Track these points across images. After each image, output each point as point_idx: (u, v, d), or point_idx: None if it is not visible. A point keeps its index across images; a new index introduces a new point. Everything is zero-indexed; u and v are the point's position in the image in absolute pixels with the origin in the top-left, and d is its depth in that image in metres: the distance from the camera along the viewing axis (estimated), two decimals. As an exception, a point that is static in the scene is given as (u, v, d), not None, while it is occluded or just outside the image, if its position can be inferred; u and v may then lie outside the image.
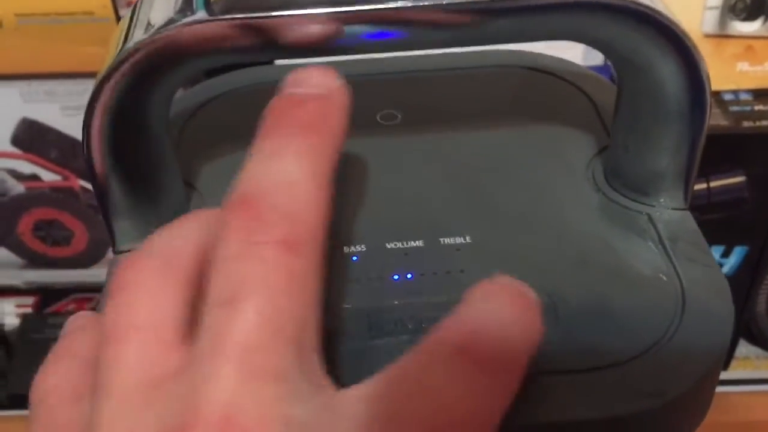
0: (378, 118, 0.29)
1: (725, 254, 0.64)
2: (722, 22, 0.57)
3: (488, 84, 0.30)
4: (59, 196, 0.67)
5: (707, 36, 0.57)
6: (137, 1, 0.23)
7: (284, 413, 0.16)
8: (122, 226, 0.23)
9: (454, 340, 0.18)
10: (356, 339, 0.21)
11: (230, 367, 0.16)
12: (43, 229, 0.68)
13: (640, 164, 0.24)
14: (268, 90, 0.30)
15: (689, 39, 0.21)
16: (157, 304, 0.18)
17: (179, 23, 0.21)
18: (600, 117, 0.28)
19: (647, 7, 0.21)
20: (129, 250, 0.24)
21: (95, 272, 0.67)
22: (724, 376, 0.73)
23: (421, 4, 0.21)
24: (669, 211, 0.24)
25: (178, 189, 0.25)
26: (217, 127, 0.29)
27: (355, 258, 0.23)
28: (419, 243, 0.24)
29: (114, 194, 0.23)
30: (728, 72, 0.59)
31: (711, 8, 0.56)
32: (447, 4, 0.21)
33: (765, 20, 0.57)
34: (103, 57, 0.22)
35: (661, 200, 0.25)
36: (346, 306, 0.22)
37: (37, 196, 0.67)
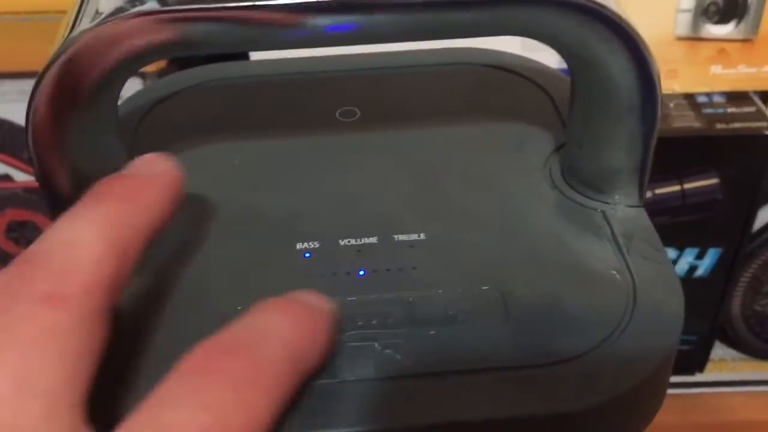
0: (337, 114, 0.28)
1: (700, 256, 0.64)
2: (695, 25, 0.57)
3: (448, 81, 0.30)
4: (32, 197, 0.66)
5: (680, 39, 0.57)
6: None
7: None
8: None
9: (195, 362, 0.18)
10: None
11: None
12: (16, 230, 0.68)
13: (594, 161, 0.24)
14: (225, 86, 0.30)
15: (639, 36, 0.21)
16: None
17: (126, 13, 0.20)
18: (559, 114, 0.28)
19: (596, 3, 0.21)
20: None
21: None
22: (699, 378, 0.73)
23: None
24: (623, 208, 0.24)
25: None
26: (174, 125, 0.29)
27: (308, 254, 0.23)
28: (373, 240, 0.24)
29: (60, 190, 0.22)
30: (702, 74, 0.59)
31: (684, 11, 0.56)
32: (396, -2, 0.21)
33: (738, 23, 0.57)
34: (50, 50, 0.21)
35: (616, 197, 0.24)
36: None
37: (10, 197, 0.66)
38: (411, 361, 0.20)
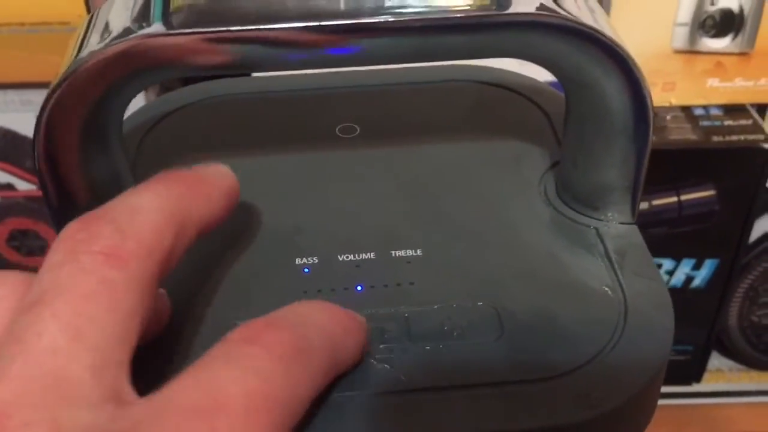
0: (337, 131, 0.29)
1: (696, 267, 0.64)
2: (692, 38, 0.57)
3: (446, 98, 0.31)
4: (34, 206, 0.67)
5: (677, 52, 0.58)
6: (98, 7, 0.23)
7: (54, 417, 0.16)
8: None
9: (244, 332, 0.18)
10: None
11: (13, 369, 0.16)
12: (18, 239, 0.68)
13: (588, 179, 0.25)
14: (229, 103, 0.31)
15: (631, 59, 0.22)
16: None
17: (134, 35, 0.21)
18: (554, 131, 0.29)
19: (592, 28, 0.21)
20: None
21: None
22: (697, 388, 0.74)
23: (372, 21, 0.21)
24: (616, 225, 0.25)
25: None
26: (176, 141, 0.29)
27: (306, 270, 0.24)
28: (371, 255, 0.24)
29: (64, 205, 0.23)
30: (698, 87, 0.60)
31: (681, 24, 0.57)
32: (395, 21, 0.21)
33: (734, 37, 0.58)
34: (60, 65, 0.22)
35: (609, 215, 0.25)
36: None
37: (12, 205, 0.67)
38: (407, 376, 0.21)
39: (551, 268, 0.24)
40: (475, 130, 0.29)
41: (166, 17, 0.21)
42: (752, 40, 0.57)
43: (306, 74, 0.31)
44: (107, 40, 0.21)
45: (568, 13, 0.21)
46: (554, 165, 0.27)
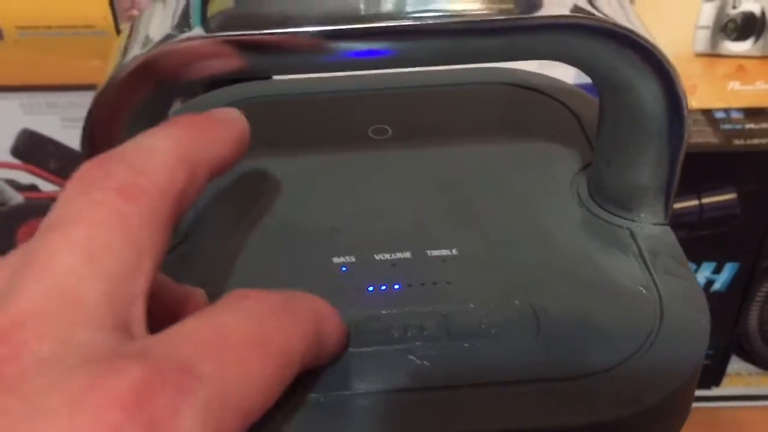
0: (369, 132, 0.29)
1: (717, 270, 0.64)
2: (714, 41, 0.57)
3: (476, 100, 0.31)
4: (58, 207, 0.67)
5: (699, 55, 0.58)
6: (138, 15, 0.24)
7: (66, 335, 0.16)
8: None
9: (238, 292, 0.19)
10: None
11: (26, 284, 0.16)
12: (41, 239, 0.69)
13: (621, 180, 0.25)
14: (262, 105, 0.31)
15: (667, 60, 0.22)
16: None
17: (176, 39, 0.21)
18: (585, 133, 0.29)
19: (628, 29, 0.22)
20: None
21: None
22: (716, 392, 0.73)
23: (408, 24, 0.22)
24: (650, 226, 0.25)
25: None
26: None
27: (344, 268, 0.24)
28: (407, 255, 0.24)
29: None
30: (720, 91, 0.60)
31: (702, 28, 0.57)
32: (432, 24, 0.21)
33: (756, 40, 0.58)
34: (103, 71, 0.22)
35: (642, 215, 0.25)
36: None
37: (36, 206, 0.68)
38: (446, 373, 0.21)
39: (586, 267, 0.24)
40: (505, 131, 0.30)
41: (204, 22, 0.22)
42: (774, 43, 0.58)
43: (337, 76, 0.32)
44: (150, 46, 0.21)
45: (603, 14, 0.22)
46: (586, 166, 0.28)
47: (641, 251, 0.24)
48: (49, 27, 0.60)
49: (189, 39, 0.21)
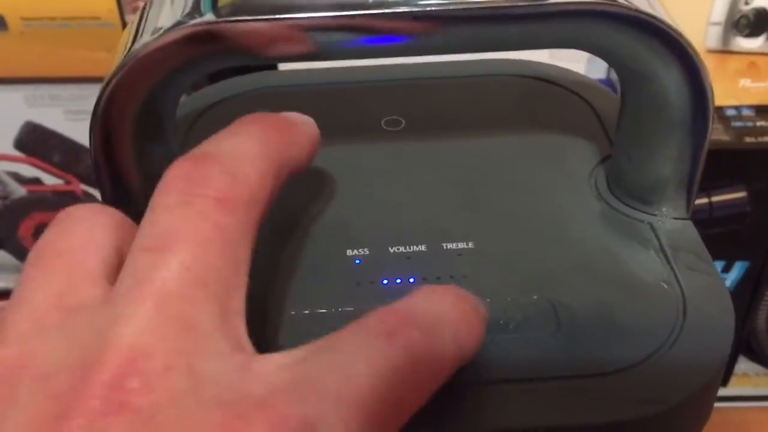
0: (383, 123, 0.29)
1: (726, 269, 0.64)
2: (725, 37, 0.57)
3: (491, 92, 0.30)
4: (61, 200, 0.67)
5: (710, 51, 0.57)
6: (145, 6, 0.23)
7: (190, 364, 0.16)
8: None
9: (383, 323, 0.18)
10: None
11: (145, 311, 0.16)
12: (44, 232, 0.68)
13: (642, 173, 0.24)
14: (273, 95, 0.31)
15: (693, 49, 0.21)
16: (89, 239, 0.18)
17: (187, 24, 0.21)
18: (603, 126, 0.28)
19: (651, 16, 0.21)
20: None
21: (95, 276, 0.67)
22: (723, 392, 0.73)
23: (427, 9, 0.21)
24: (671, 220, 0.25)
25: None
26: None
27: (358, 261, 0.24)
28: (422, 248, 0.24)
29: (117, 192, 0.23)
30: (731, 88, 0.59)
31: (714, 24, 0.57)
32: (457, 10, 0.21)
33: (767, 37, 0.57)
34: (111, 60, 0.22)
35: (663, 209, 0.25)
36: (349, 308, 0.22)
37: (39, 199, 0.67)
38: (463, 370, 0.20)
39: (606, 262, 0.23)
40: (521, 123, 0.29)
41: (216, 9, 0.21)
42: (787, 40, 0.57)
43: (350, 67, 0.31)
44: (160, 32, 0.21)
45: (626, 0, 0.21)
46: (604, 159, 0.27)
47: (662, 246, 0.24)
48: (54, 18, 0.60)
49: (201, 24, 0.21)
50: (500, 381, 0.20)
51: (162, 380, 0.15)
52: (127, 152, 0.22)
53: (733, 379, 0.72)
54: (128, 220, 0.19)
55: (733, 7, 0.56)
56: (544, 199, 0.26)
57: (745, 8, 0.56)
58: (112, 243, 0.18)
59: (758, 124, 0.59)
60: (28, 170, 0.66)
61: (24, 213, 0.68)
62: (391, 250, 0.24)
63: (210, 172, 0.18)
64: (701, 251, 0.24)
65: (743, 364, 0.72)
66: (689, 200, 0.25)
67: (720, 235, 0.60)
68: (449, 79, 0.31)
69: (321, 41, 0.21)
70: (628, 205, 0.25)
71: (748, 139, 0.57)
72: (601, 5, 0.21)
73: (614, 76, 0.54)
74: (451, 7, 0.21)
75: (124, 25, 0.59)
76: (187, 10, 0.21)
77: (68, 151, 0.65)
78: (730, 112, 0.59)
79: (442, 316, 0.18)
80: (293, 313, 0.22)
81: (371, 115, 0.29)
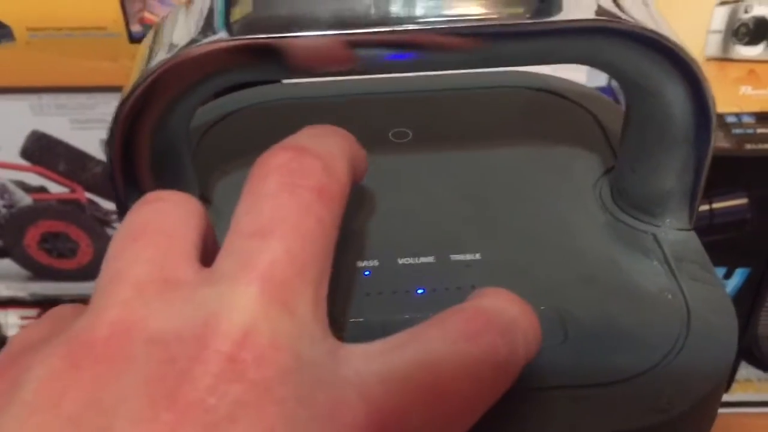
0: (390, 135, 0.29)
1: (727, 276, 0.64)
2: (725, 46, 0.57)
3: (497, 104, 0.31)
4: (66, 209, 0.67)
5: (710, 59, 0.58)
6: (159, 22, 0.24)
7: (294, 346, 0.16)
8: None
9: (468, 324, 0.18)
10: None
11: (254, 291, 0.16)
12: (49, 241, 0.69)
13: (646, 185, 0.25)
14: (279, 107, 0.31)
15: (696, 64, 0.22)
16: (185, 221, 0.19)
17: (201, 43, 0.21)
18: (607, 138, 0.29)
19: (656, 33, 0.21)
20: None
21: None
22: (725, 398, 0.73)
23: (435, 27, 0.21)
24: (674, 231, 0.25)
25: None
26: (231, 143, 0.29)
27: (367, 273, 0.24)
28: (430, 259, 0.24)
29: (133, 199, 0.23)
30: (731, 95, 0.60)
31: (714, 32, 0.57)
32: (462, 27, 0.21)
33: (767, 45, 0.58)
34: (113, 72, 0.22)
35: (667, 221, 0.25)
36: (359, 319, 0.22)
37: (44, 208, 0.68)
38: None
39: (611, 273, 0.24)
40: (526, 135, 0.29)
41: (228, 27, 0.22)
42: (786, 48, 0.57)
43: (357, 79, 0.31)
44: (175, 50, 0.21)
45: (630, 16, 0.22)
46: (608, 171, 0.27)
47: (666, 257, 0.24)
48: (60, 29, 0.60)
49: (214, 42, 0.21)
50: (510, 390, 0.21)
51: (271, 357, 0.16)
52: (143, 164, 0.22)
53: (735, 385, 0.72)
54: (207, 213, 0.20)
55: (732, 15, 0.56)
56: (550, 210, 0.26)
57: (744, 16, 0.57)
58: (201, 229, 0.19)
59: (759, 131, 0.59)
60: (33, 179, 0.67)
61: (30, 221, 0.68)
62: (400, 262, 0.24)
63: (312, 165, 0.19)
64: (704, 262, 0.24)
65: (745, 370, 0.72)
66: (692, 211, 0.25)
67: (721, 242, 0.61)
68: (456, 91, 0.31)
69: (335, 58, 0.22)
70: (632, 216, 0.25)
71: (748, 146, 0.58)
72: (607, 23, 0.22)
73: (615, 84, 0.55)
74: (462, 25, 0.21)
75: (130, 35, 0.59)
76: (201, 26, 0.22)
77: (74, 159, 0.65)
78: (731, 119, 0.60)
79: (515, 320, 0.19)
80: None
81: (379, 127, 0.30)
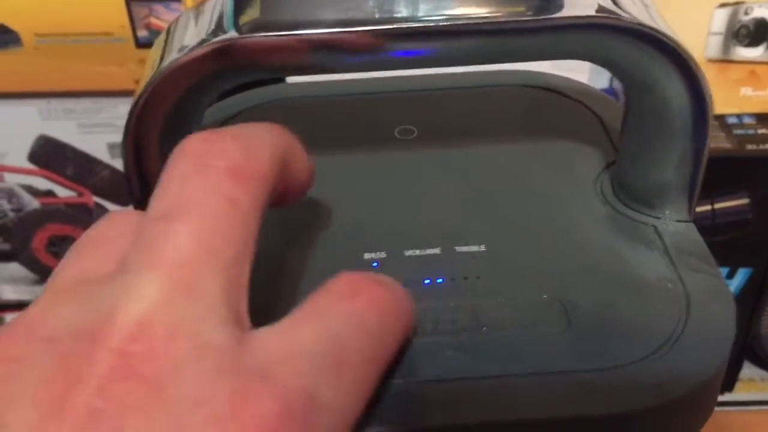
0: (395, 133, 0.30)
1: (729, 276, 0.64)
2: (726, 47, 0.58)
3: (499, 102, 0.32)
4: (74, 213, 0.68)
5: (711, 61, 0.58)
6: (170, 26, 0.24)
7: (196, 333, 0.16)
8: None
9: (350, 285, 0.19)
10: None
11: (153, 279, 0.16)
12: (57, 245, 0.69)
13: (646, 178, 0.25)
14: (287, 107, 0.32)
15: (692, 60, 0.23)
16: (128, 229, 0.18)
17: (212, 41, 0.22)
18: (607, 133, 0.29)
19: (652, 29, 0.22)
20: None
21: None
22: (728, 397, 0.73)
23: (440, 24, 0.22)
24: (674, 223, 0.26)
25: None
26: None
27: (375, 264, 0.25)
28: (436, 251, 0.25)
29: (146, 196, 0.24)
30: (732, 96, 0.60)
31: (715, 34, 0.57)
32: (465, 24, 0.22)
33: (767, 46, 0.58)
34: (120, 77, 0.23)
35: (667, 212, 0.26)
36: None
37: (52, 212, 0.68)
38: (476, 364, 0.21)
39: (612, 263, 0.24)
40: (528, 132, 0.30)
41: (237, 27, 0.22)
42: (786, 49, 0.58)
43: (363, 79, 0.32)
44: (186, 50, 0.22)
45: (628, 13, 0.22)
46: (609, 165, 0.28)
47: (666, 248, 0.25)
48: (67, 34, 0.61)
49: (225, 41, 0.22)
50: (513, 375, 0.21)
51: (166, 348, 0.15)
52: (154, 160, 0.23)
53: (738, 385, 0.72)
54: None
55: (732, 17, 0.57)
56: (552, 203, 0.27)
57: (744, 18, 0.57)
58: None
59: (759, 131, 0.60)
60: (41, 183, 0.67)
61: (37, 225, 0.69)
62: (407, 254, 0.25)
63: (227, 146, 0.18)
64: (703, 252, 0.25)
65: (748, 370, 0.72)
66: (691, 203, 0.26)
67: (723, 242, 0.61)
68: (460, 89, 0.32)
69: (334, 56, 0.23)
70: (632, 209, 0.26)
71: (749, 147, 0.58)
72: (604, 19, 0.22)
73: (617, 85, 0.55)
74: (467, 22, 0.22)
75: (136, 40, 0.60)
76: (212, 28, 0.23)
77: (81, 163, 0.66)
78: (732, 120, 0.60)
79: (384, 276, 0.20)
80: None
81: (384, 124, 0.30)
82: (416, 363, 0.21)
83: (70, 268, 0.18)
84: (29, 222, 0.69)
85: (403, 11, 0.22)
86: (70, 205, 0.67)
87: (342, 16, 0.22)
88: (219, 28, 0.22)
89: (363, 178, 0.28)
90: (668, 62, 0.23)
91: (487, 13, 0.22)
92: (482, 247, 0.25)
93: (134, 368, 0.15)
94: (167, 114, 0.22)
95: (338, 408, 0.17)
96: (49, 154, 0.66)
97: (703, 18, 0.57)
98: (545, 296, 0.23)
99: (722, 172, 0.57)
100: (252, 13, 0.23)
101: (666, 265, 0.24)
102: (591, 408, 0.21)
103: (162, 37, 0.24)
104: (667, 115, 0.24)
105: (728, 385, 0.72)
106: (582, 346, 0.22)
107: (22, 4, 0.58)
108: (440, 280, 0.24)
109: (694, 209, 0.26)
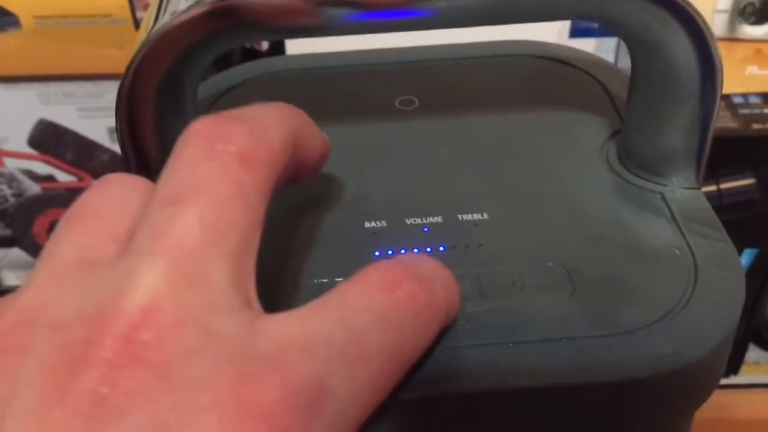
0: (397, 103, 0.29)
1: (735, 257, 0.64)
2: (732, 25, 0.57)
3: (502, 72, 0.31)
4: (74, 197, 0.67)
5: (716, 39, 0.57)
6: None
7: (203, 320, 0.15)
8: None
9: (384, 277, 0.18)
10: None
11: (159, 265, 0.16)
12: (58, 230, 0.69)
13: (653, 144, 0.25)
14: (287, 79, 0.31)
15: (701, 18, 0.22)
16: (122, 201, 0.18)
17: (205, 2, 0.21)
18: (612, 102, 0.29)
19: (659, -14, 0.22)
20: None
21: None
22: (735, 380, 0.73)
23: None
24: (681, 190, 0.25)
25: None
26: None
27: (376, 231, 0.24)
28: (438, 219, 0.24)
29: (140, 165, 0.23)
30: (738, 75, 0.60)
31: (720, 12, 0.57)
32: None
33: (774, 25, 0.58)
34: (120, 59, 0.22)
35: (674, 179, 0.25)
36: None
37: (53, 196, 0.68)
38: (481, 332, 0.21)
39: (618, 230, 0.24)
40: (533, 101, 0.30)
41: None
42: (793, 27, 0.57)
43: (365, 50, 0.32)
44: (179, 11, 0.21)
45: None
46: (614, 134, 0.27)
47: (673, 214, 0.24)
48: (66, 16, 0.60)
49: (214, 3, 0.21)
50: (518, 342, 0.21)
51: (174, 335, 0.15)
52: (148, 124, 0.22)
53: (743, 368, 0.72)
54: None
55: (738, -6, 0.56)
56: (557, 172, 0.26)
57: (751, -4, 0.57)
58: (144, 208, 0.18)
59: (765, 111, 0.59)
60: (41, 168, 0.67)
61: (38, 210, 0.69)
62: (408, 222, 0.24)
63: (234, 130, 0.18)
64: (711, 219, 0.24)
65: (753, 353, 0.72)
66: (699, 170, 0.25)
67: (729, 223, 0.60)
68: (462, 60, 0.32)
69: (331, 15, 0.22)
70: (639, 177, 0.26)
71: (755, 126, 0.58)
72: None
73: (621, 63, 0.55)
74: None
75: (136, 22, 0.59)
76: None
77: (81, 148, 0.66)
78: (738, 100, 0.60)
79: (432, 270, 0.19)
80: (314, 281, 0.22)
81: (385, 95, 0.30)
82: None
83: (67, 246, 0.17)
84: (30, 207, 0.69)
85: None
86: (70, 190, 0.67)
87: None
88: None
89: (364, 148, 0.27)
90: (675, 20, 0.22)
91: None
92: (485, 216, 0.24)
93: (141, 355, 0.15)
94: (159, 77, 0.22)
95: (349, 400, 0.16)
96: (49, 139, 0.66)
97: (709, -5, 0.56)
98: (550, 263, 0.23)
99: (728, 152, 0.57)
100: None
101: (673, 232, 0.24)
102: (597, 375, 0.20)
103: (155, 2, 0.23)
104: (675, 78, 0.23)
105: (734, 368, 0.71)
106: (588, 313, 0.21)
107: (19, -15, 0.58)
108: (441, 248, 0.23)
109: (701, 176, 0.25)
